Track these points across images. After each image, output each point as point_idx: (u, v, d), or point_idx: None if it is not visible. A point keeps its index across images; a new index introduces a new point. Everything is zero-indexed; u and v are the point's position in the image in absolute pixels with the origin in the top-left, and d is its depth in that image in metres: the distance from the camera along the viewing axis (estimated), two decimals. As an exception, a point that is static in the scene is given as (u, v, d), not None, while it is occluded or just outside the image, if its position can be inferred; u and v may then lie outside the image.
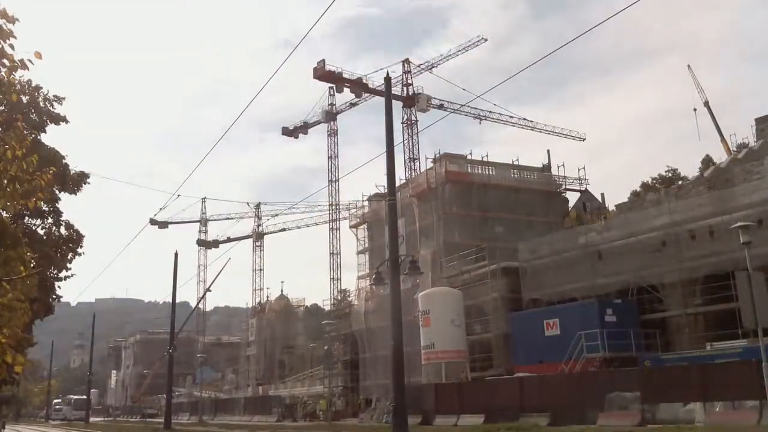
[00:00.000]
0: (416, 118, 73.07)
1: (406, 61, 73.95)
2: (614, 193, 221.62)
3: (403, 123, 72.88)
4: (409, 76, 73.29)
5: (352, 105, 77.22)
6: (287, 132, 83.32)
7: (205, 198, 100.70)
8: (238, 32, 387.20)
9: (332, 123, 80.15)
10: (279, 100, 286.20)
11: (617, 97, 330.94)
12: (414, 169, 67.42)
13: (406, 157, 71.67)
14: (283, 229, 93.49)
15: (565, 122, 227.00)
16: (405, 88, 72.86)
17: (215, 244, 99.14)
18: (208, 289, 70.08)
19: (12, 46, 5.85)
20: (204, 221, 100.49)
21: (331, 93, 77.62)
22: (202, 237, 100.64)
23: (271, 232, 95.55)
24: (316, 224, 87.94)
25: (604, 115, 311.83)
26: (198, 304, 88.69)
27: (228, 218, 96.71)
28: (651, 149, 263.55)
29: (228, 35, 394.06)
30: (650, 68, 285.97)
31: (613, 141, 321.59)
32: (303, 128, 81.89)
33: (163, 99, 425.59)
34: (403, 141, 71.11)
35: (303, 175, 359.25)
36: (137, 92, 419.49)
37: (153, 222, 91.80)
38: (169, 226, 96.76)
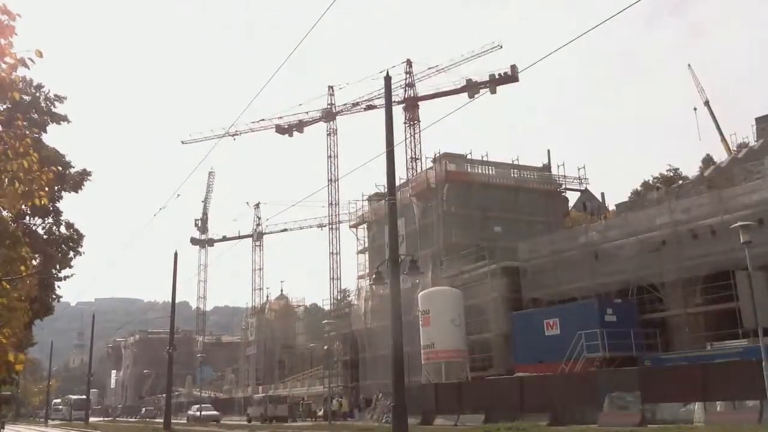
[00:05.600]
0: (419, 118, 73.25)
1: (408, 62, 74.10)
2: (614, 192, 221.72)
3: (405, 123, 73.01)
4: (411, 77, 73.37)
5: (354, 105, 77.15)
6: (281, 130, 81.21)
7: (206, 198, 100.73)
8: (237, 31, 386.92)
9: (332, 122, 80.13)
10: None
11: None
12: (416, 169, 67.42)
13: (408, 157, 71.84)
14: (285, 230, 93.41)
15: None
16: (406, 89, 72.91)
17: (210, 242, 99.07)
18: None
19: (11, 44, 5.80)
20: (204, 220, 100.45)
21: (331, 92, 77.59)
22: (197, 236, 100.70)
23: (271, 232, 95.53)
24: (320, 227, 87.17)
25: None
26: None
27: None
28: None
29: (227, 34, 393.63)
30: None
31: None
32: (299, 126, 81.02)
33: (163, 98, 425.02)
34: (405, 141, 71.19)
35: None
36: (136, 92, 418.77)
37: (195, 242, 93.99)
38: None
